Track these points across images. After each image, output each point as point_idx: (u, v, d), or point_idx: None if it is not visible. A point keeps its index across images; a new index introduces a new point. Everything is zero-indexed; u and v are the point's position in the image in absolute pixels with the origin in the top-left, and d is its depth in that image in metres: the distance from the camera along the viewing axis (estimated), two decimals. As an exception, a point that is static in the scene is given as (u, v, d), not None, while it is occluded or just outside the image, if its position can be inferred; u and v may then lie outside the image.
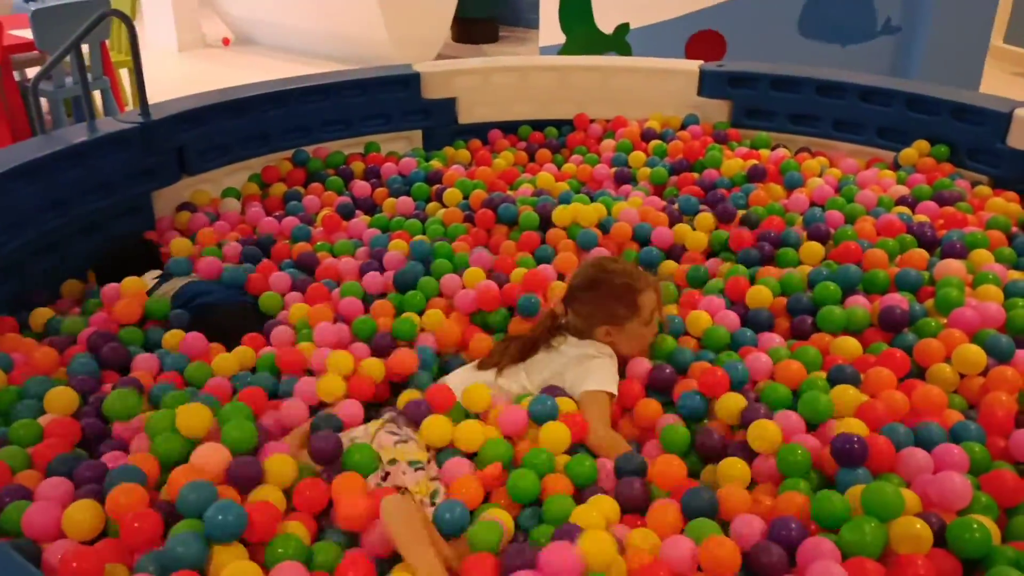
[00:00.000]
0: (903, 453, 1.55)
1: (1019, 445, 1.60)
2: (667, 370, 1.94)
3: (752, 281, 2.27)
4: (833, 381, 1.83)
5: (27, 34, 4.61)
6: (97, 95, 5.00)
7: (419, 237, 2.58)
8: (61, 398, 1.78)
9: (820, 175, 2.96)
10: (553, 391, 1.84)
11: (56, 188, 2.50)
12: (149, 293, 2.34)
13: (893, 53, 5.08)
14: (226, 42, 7.86)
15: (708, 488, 1.55)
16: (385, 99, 3.37)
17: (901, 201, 2.74)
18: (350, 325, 2.19)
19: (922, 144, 3.06)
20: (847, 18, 5.11)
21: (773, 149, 3.24)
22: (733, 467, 1.61)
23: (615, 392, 1.86)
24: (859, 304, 2.08)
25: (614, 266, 2.01)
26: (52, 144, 2.58)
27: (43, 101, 4.91)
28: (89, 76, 4.77)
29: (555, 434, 1.68)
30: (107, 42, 5.06)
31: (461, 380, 1.91)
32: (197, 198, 2.97)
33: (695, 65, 3.52)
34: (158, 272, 2.49)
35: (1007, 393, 1.74)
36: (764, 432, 1.62)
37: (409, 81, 3.40)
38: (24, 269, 2.43)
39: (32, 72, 4.98)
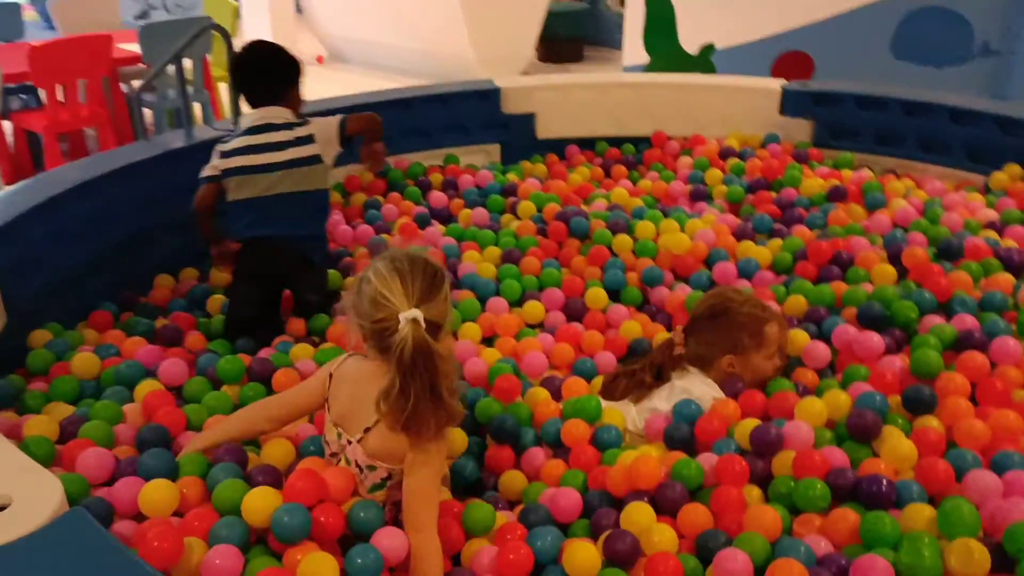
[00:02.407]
0: (971, 475, 1.50)
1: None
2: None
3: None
4: (909, 401, 1.78)
5: (135, 48, 4.90)
6: (198, 107, 5.26)
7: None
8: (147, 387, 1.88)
9: (904, 197, 2.88)
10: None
11: (151, 188, 2.65)
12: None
13: (990, 77, 4.90)
14: (320, 59, 8.15)
15: None
16: (465, 112, 3.45)
17: (990, 225, 2.64)
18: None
19: (1014, 168, 2.94)
20: (942, 40, 4.96)
21: (856, 169, 3.17)
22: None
23: None
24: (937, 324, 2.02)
25: (739, 297, 2.02)
26: (150, 148, 2.74)
27: (148, 112, 5.20)
28: (191, 89, 5.03)
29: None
30: (209, 57, 5.33)
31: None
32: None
33: (777, 83, 3.48)
34: None
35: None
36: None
37: (489, 95, 3.47)
38: (120, 263, 2.57)
39: (139, 83, 5.29)
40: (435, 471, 1.50)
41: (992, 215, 2.70)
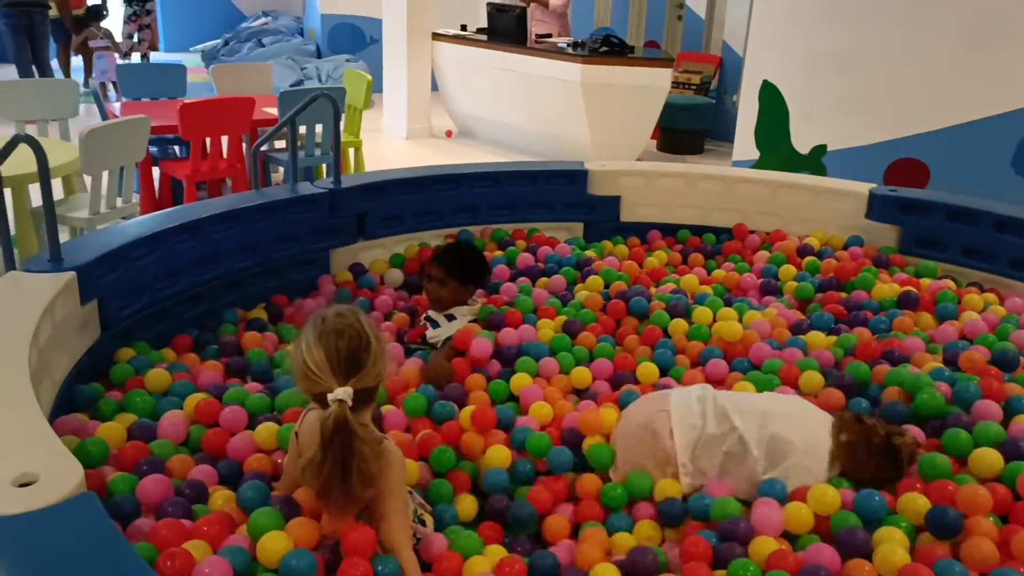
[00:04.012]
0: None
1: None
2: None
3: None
4: (933, 523, 1.73)
5: (274, 111, 5.39)
6: (324, 167, 5.70)
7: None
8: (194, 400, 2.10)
9: (982, 311, 2.80)
10: None
11: (249, 234, 2.92)
12: None
13: (1119, 200, 4.65)
14: (449, 134, 8.61)
15: None
16: (551, 190, 3.61)
17: (1065, 347, 2.53)
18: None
19: (1106, 292, 2.81)
20: (1071, 159, 4.77)
21: (939, 279, 3.10)
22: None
23: None
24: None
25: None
26: (255, 198, 3.03)
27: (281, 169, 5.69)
28: (318, 151, 5.47)
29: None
30: (341, 124, 5.78)
31: None
32: (375, 265, 3.29)
33: (865, 187, 3.47)
34: None
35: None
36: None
37: (576, 176, 3.63)
38: (210, 299, 2.83)
39: (278, 144, 5.79)
40: (397, 494, 1.61)
41: (1072, 337, 2.58)
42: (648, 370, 2.51)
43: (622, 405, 2.20)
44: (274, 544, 1.53)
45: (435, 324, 2.72)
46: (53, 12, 8.76)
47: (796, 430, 1.89)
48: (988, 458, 1.88)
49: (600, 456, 1.98)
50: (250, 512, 1.65)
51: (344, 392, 1.46)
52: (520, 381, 2.35)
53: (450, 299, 2.73)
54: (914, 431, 2.03)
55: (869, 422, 1.92)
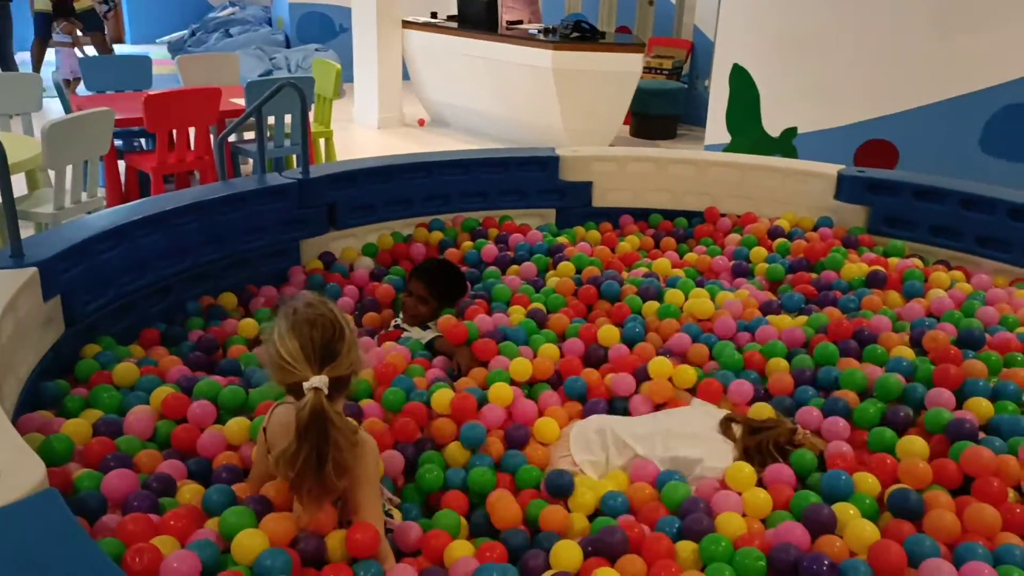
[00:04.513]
0: (927, 564, 1.47)
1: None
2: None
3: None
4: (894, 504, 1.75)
5: (241, 102, 5.32)
6: (295, 158, 5.63)
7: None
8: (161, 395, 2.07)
9: (948, 289, 2.83)
10: None
11: (217, 226, 2.89)
12: None
13: (1085, 178, 4.72)
14: (421, 123, 8.55)
15: None
16: (522, 177, 3.60)
17: (1030, 323, 2.56)
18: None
19: (1071, 267, 2.85)
20: (1037, 138, 4.82)
21: (908, 258, 3.13)
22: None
23: None
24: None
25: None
26: (221, 190, 2.99)
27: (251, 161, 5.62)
28: (287, 141, 5.41)
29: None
30: (310, 114, 5.73)
31: None
32: (345, 254, 3.28)
33: (834, 169, 3.49)
34: None
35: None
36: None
37: (548, 163, 3.61)
38: (178, 292, 2.80)
39: (248, 135, 5.72)
40: (371, 482, 1.60)
41: (1037, 312, 2.62)
42: (609, 333, 2.52)
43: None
44: (250, 541, 1.51)
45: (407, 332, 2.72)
46: (42, 5, 8.52)
47: (698, 446, 1.94)
48: (915, 445, 1.91)
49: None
50: (216, 515, 1.64)
51: (320, 380, 1.45)
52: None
53: (428, 315, 2.74)
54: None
55: (768, 425, 1.98)
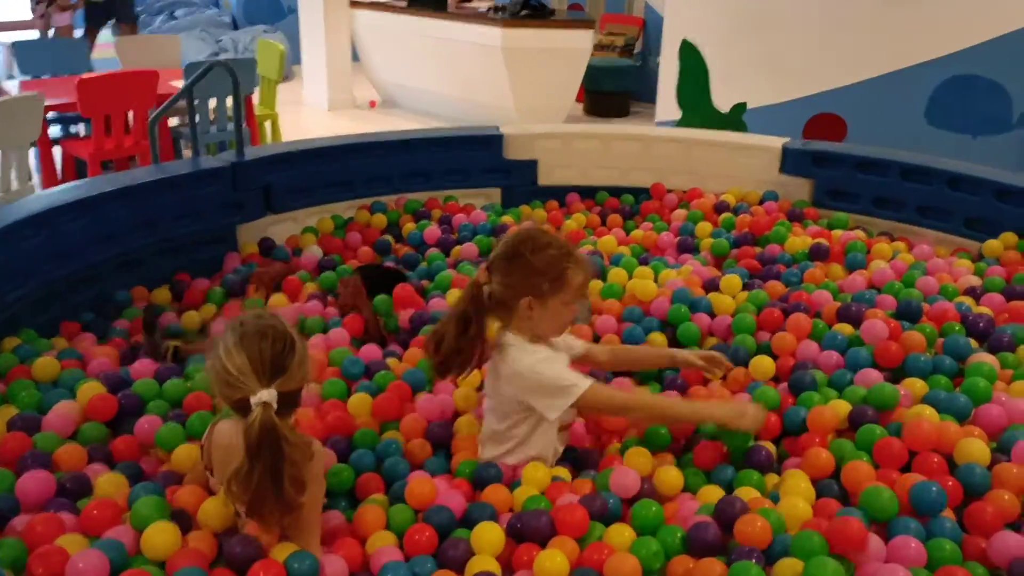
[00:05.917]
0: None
1: (999, 549, 1.46)
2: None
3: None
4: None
5: (181, 84, 5.16)
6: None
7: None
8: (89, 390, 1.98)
9: (891, 259, 2.84)
10: None
11: (147, 211, 2.79)
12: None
13: (1029, 148, 4.78)
14: (372, 104, 8.41)
15: None
16: (466, 156, 3.53)
17: (969, 292, 2.57)
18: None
19: (1008, 236, 2.88)
20: (979, 109, 4.87)
21: (852, 230, 3.14)
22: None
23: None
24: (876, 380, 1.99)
25: (543, 238, 1.80)
26: (152, 174, 2.89)
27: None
28: (230, 124, 5.27)
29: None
30: (253, 96, 5.59)
31: None
32: (291, 240, 3.17)
33: (778, 142, 3.48)
34: None
35: (1009, 492, 1.60)
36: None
37: (492, 141, 3.55)
38: (108, 279, 2.70)
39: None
40: (316, 501, 1.55)
41: (975, 281, 2.64)
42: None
43: None
44: (161, 538, 1.46)
45: None
46: None
47: None
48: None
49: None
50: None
51: (268, 395, 1.38)
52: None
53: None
54: None
55: None
